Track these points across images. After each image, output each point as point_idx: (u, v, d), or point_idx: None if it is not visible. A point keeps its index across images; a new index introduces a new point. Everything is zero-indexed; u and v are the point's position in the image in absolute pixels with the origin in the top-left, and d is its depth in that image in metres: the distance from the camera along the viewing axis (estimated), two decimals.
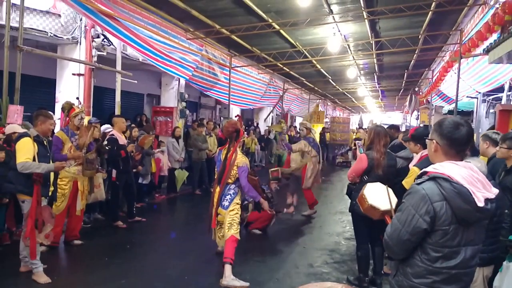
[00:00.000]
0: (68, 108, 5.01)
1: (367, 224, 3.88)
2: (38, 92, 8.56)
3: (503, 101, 11.06)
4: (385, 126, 4.91)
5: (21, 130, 4.48)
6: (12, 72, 5.18)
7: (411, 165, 3.61)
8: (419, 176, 1.85)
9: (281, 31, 9.55)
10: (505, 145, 3.14)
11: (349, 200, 4.18)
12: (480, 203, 1.67)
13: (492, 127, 5.93)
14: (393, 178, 3.79)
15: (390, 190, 2.33)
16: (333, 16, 8.61)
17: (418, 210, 1.73)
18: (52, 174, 4.23)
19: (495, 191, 1.78)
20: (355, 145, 10.88)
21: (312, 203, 7.33)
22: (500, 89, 11.18)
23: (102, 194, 5.64)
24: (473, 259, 1.81)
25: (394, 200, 2.25)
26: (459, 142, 1.80)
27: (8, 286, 3.83)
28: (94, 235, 5.51)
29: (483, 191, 1.72)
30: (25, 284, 3.88)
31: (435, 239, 1.74)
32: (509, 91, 10.92)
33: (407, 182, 3.40)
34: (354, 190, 3.97)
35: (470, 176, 1.73)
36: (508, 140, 3.13)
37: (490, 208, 1.73)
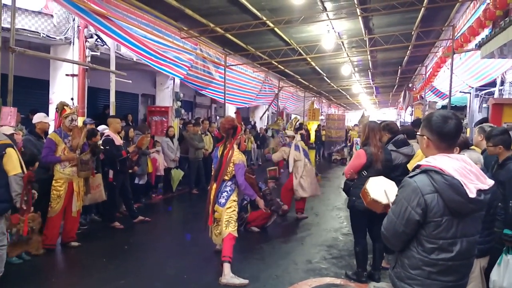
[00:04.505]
0: (61, 108, 4.98)
1: (368, 220, 3.91)
2: (32, 94, 8.48)
3: (495, 96, 11.17)
4: (387, 123, 4.84)
5: (10, 131, 4.38)
6: (5, 74, 5.13)
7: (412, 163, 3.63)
8: (413, 170, 1.88)
9: (276, 29, 9.56)
10: (490, 143, 3.17)
11: (346, 196, 4.20)
12: (472, 194, 1.69)
13: (483, 120, 5.98)
14: (390, 172, 3.81)
15: (393, 183, 2.35)
16: (327, 14, 8.64)
17: (410, 202, 1.76)
18: None
19: (490, 182, 1.79)
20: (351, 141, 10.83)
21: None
22: (493, 83, 11.29)
23: (102, 195, 5.61)
24: (470, 250, 1.82)
25: (395, 193, 2.27)
26: (450, 135, 1.83)
27: None
28: (91, 237, 5.48)
29: (476, 183, 1.74)
30: None
31: (428, 231, 1.77)
32: (501, 86, 11.03)
33: (411, 164, 3.42)
34: (352, 187, 3.99)
35: (463, 168, 1.75)
36: (492, 138, 3.16)
37: (483, 199, 1.75)
